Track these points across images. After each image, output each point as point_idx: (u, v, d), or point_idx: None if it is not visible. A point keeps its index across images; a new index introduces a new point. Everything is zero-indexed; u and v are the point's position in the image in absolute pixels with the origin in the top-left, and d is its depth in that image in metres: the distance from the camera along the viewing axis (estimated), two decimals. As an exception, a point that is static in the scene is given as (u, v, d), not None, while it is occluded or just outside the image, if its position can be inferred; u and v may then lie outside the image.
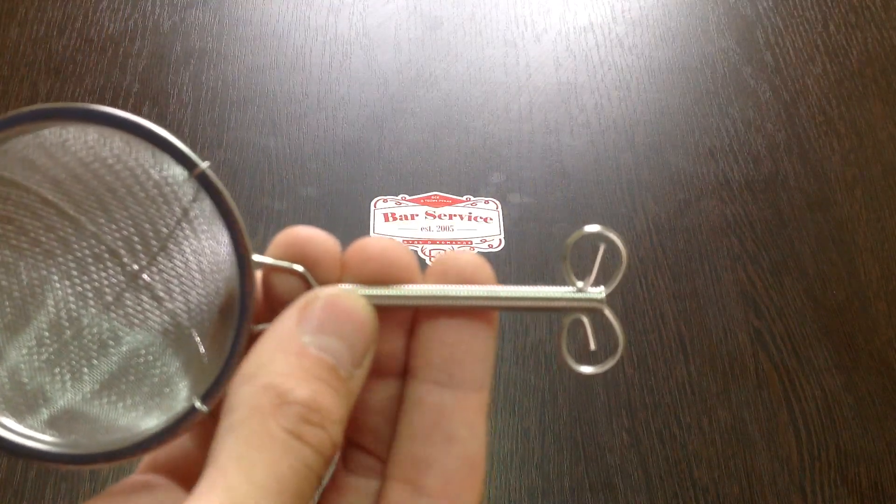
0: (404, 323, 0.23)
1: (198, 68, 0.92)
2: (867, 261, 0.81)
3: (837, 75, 0.95)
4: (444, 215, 0.82)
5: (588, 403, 0.73)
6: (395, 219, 0.81)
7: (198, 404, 0.21)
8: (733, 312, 0.78)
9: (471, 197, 0.83)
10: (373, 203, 0.82)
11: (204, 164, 0.21)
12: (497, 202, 0.83)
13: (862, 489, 0.69)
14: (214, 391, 0.21)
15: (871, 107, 0.93)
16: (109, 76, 0.91)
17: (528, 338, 0.76)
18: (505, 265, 0.79)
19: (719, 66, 0.95)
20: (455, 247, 0.79)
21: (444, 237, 0.80)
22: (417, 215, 0.81)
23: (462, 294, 0.22)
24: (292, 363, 0.19)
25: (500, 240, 0.81)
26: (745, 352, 0.76)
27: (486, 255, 0.84)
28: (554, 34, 0.98)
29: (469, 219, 0.81)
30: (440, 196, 0.83)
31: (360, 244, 0.22)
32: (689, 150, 0.89)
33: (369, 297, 0.22)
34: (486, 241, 0.80)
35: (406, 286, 0.22)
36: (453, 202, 0.83)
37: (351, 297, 0.21)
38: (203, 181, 0.21)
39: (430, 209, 0.82)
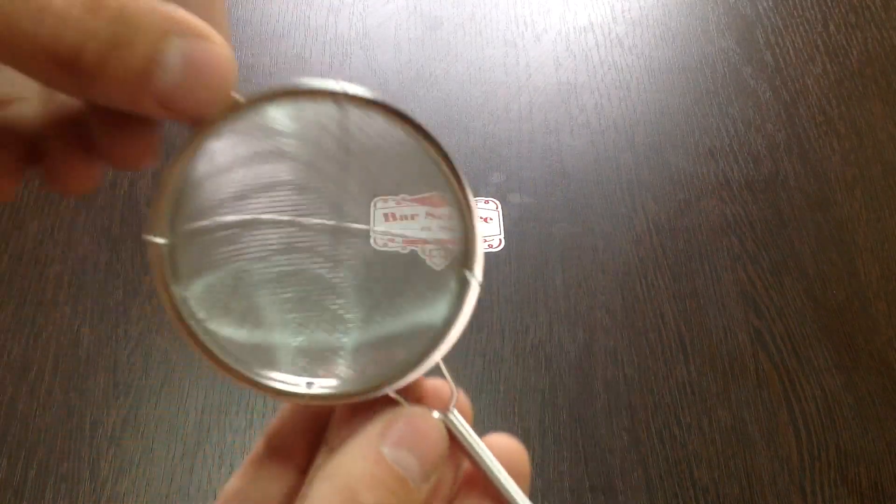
0: (456, 464, 0.26)
1: (198, 68, 0.92)
2: (867, 261, 0.81)
3: (837, 75, 0.95)
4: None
5: (588, 403, 0.73)
6: (394, 219, 0.81)
7: (308, 388, 0.24)
8: (733, 312, 0.78)
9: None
10: (373, 203, 0.82)
11: (476, 280, 0.25)
12: (497, 202, 0.83)
13: (862, 489, 0.69)
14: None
15: (871, 107, 0.93)
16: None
17: (528, 338, 0.76)
18: (505, 265, 0.79)
19: (719, 66, 0.95)
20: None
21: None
22: (418, 215, 0.81)
23: (512, 494, 0.25)
24: (368, 469, 0.22)
25: (500, 240, 0.81)
26: (745, 352, 0.76)
27: (486, 255, 0.84)
28: (554, 34, 0.98)
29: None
30: (440, 196, 0.83)
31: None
32: (689, 150, 0.89)
33: (455, 427, 0.25)
34: (486, 241, 0.80)
35: (482, 446, 0.25)
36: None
37: (430, 419, 0.24)
38: (461, 283, 0.25)
39: (431, 209, 0.82)
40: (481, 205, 0.83)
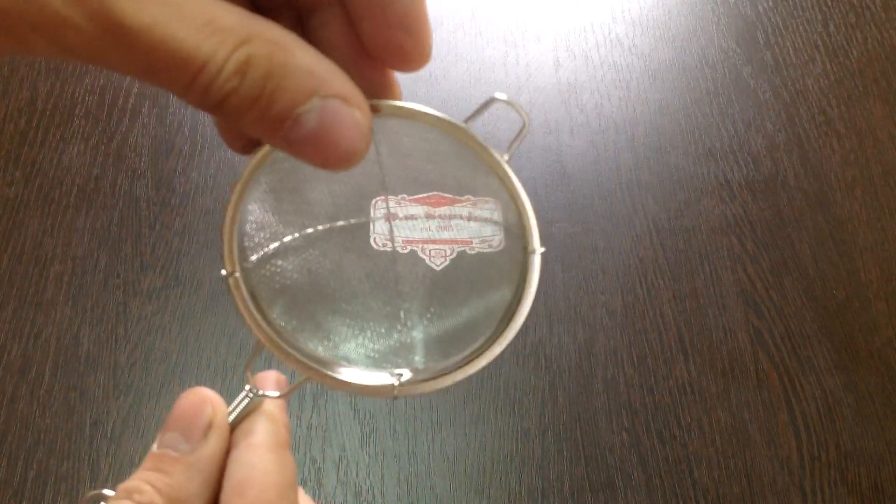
0: None
1: (198, 68, 0.92)
2: (867, 261, 0.81)
3: (837, 75, 0.95)
4: (444, 215, 0.82)
5: (588, 403, 0.73)
6: (394, 219, 0.81)
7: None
8: (733, 312, 0.78)
9: (471, 197, 0.83)
10: (373, 203, 0.82)
11: (537, 251, 0.26)
12: (497, 202, 0.83)
13: (862, 489, 0.69)
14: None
15: (871, 107, 0.93)
16: (109, 76, 0.91)
17: (528, 338, 0.76)
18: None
19: (719, 66, 0.95)
20: (455, 247, 0.79)
21: (444, 237, 0.80)
22: (417, 215, 0.81)
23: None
24: (140, 471, 0.26)
25: (501, 240, 0.81)
26: (745, 352, 0.76)
27: (487, 256, 0.84)
28: (554, 34, 0.98)
29: (469, 219, 0.81)
30: (440, 196, 0.83)
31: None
32: (689, 150, 0.89)
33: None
34: (486, 241, 0.80)
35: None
36: (453, 202, 0.83)
37: (189, 397, 0.27)
38: (525, 257, 0.26)
39: (430, 209, 0.82)
40: (481, 205, 0.83)
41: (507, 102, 0.27)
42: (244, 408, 0.27)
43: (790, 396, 0.73)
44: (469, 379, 0.26)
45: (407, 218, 0.27)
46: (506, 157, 0.27)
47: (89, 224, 0.81)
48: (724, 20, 1.00)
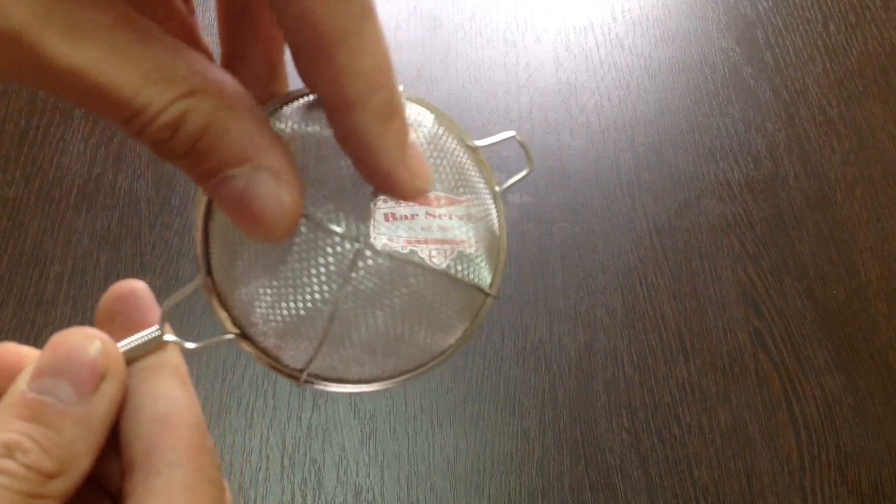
0: None
1: (198, 68, 0.92)
2: (867, 261, 0.81)
3: (837, 75, 0.95)
4: (445, 215, 0.82)
5: (588, 403, 0.73)
6: (394, 219, 0.81)
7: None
8: (733, 312, 0.78)
9: (471, 197, 0.83)
10: (373, 203, 0.82)
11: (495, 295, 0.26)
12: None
13: (862, 489, 0.69)
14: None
15: (871, 107, 0.93)
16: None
17: (528, 338, 0.76)
18: (505, 265, 0.79)
19: (719, 66, 0.95)
20: (455, 247, 0.79)
21: (445, 237, 0.80)
22: (417, 215, 0.81)
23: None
24: (4, 413, 0.21)
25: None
26: (745, 352, 0.76)
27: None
28: (554, 34, 0.98)
29: (469, 219, 0.81)
30: (439, 196, 0.83)
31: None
32: (689, 150, 0.89)
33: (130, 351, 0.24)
34: (480, 241, 0.80)
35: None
36: (453, 202, 0.83)
37: (73, 335, 0.22)
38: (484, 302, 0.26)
39: (430, 209, 0.82)
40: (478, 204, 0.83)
41: (522, 145, 0.27)
42: (142, 345, 0.24)
43: (790, 396, 0.73)
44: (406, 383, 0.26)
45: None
46: (499, 188, 0.27)
47: (89, 224, 0.81)
48: (724, 20, 1.00)
